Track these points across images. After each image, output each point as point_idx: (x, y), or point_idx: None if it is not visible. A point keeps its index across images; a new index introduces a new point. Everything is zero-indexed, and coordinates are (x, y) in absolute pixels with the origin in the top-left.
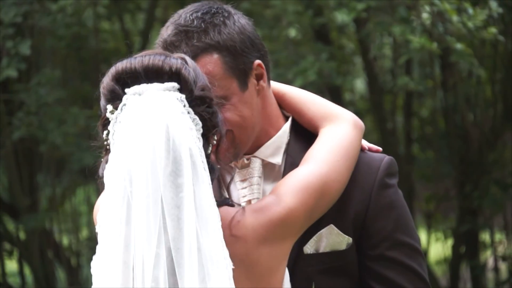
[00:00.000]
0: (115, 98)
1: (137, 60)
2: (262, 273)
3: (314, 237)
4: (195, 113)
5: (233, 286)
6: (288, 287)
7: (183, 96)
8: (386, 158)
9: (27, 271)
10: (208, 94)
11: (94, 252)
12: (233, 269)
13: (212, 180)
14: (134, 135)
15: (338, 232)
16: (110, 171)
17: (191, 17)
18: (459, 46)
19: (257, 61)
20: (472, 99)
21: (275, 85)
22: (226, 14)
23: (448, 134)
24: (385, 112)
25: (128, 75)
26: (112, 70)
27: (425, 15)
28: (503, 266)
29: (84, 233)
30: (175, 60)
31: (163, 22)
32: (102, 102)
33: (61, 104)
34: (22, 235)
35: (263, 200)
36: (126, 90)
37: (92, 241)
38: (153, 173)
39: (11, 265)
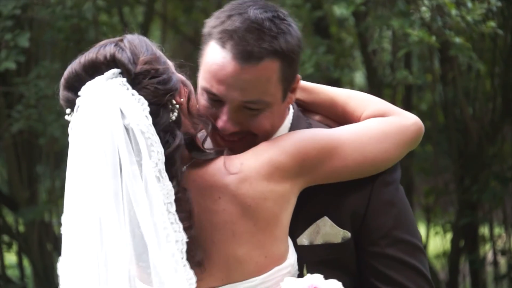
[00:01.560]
0: (72, 104)
1: (76, 63)
2: (268, 219)
3: (309, 229)
4: (141, 89)
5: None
6: (294, 259)
7: (124, 79)
8: None
9: (26, 263)
10: (151, 66)
11: None
12: (241, 217)
13: (175, 145)
14: (83, 133)
15: (332, 224)
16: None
17: (261, 16)
18: (458, 40)
19: (298, 76)
20: (471, 93)
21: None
22: (291, 23)
23: (447, 128)
24: None
25: (74, 80)
26: (62, 81)
27: (424, 9)
28: (502, 260)
29: None
30: (108, 47)
31: (163, 15)
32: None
33: None
34: (21, 228)
35: (263, 144)
36: (79, 93)
37: None
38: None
39: (10, 258)
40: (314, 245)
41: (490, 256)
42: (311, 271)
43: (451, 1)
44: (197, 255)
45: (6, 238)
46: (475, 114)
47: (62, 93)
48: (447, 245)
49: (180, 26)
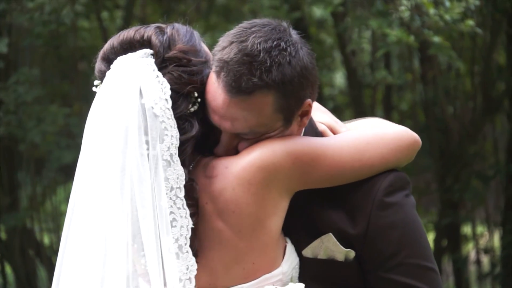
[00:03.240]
0: (103, 76)
1: (116, 37)
2: (253, 225)
3: (314, 242)
4: (166, 73)
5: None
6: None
7: (153, 61)
8: (390, 175)
9: (8, 270)
10: (185, 55)
11: None
12: (225, 223)
13: (190, 135)
14: (101, 106)
15: (336, 242)
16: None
17: (258, 47)
18: (437, 39)
19: (308, 101)
20: (451, 92)
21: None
22: (293, 52)
23: (428, 127)
24: (364, 106)
25: (110, 52)
26: (100, 52)
27: (402, 8)
28: (485, 259)
29: None
30: (149, 28)
31: (141, 19)
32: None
33: (40, 102)
34: (3, 235)
35: (253, 146)
36: (111, 66)
37: None
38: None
39: None
40: (318, 259)
41: (473, 255)
42: (314, 284)
43: (429, 0)
44: (195, 245)
45: None
46: (455, 113)
47: (98, 64)
48: (430, 245)
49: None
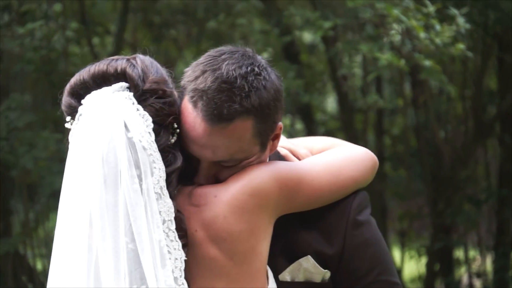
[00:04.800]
0: (73, 111)
1: (85, 71)
2: (245, 252)
3: (292, 265)
4: (146, 106)
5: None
6: (274, 285)
7: (131, 94)
8: (358, 195)
9: None
10: (159, 86)
11: None
12: (217, 251)
13: (174, 168)
14: (83, 141)
15: (315, 264)
16: (66, 175)
17: (234, 73)
18: (427, 63)
19: (280, 124)
20: (443, 116)
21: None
22: (267, 76)
23: (420, 152)
24: (356, 131)
25: (80, 87)
26: (67, 86)
27: (393, 32)
28: (477, 283)
29: None
30: (120, 61)
31: (132, 45)
32: (65, 118)
33: (32, 128)
34: None
35: (239, 174)
36: (82, 101)
37: None
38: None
39: None
40: (295, 282)
41: (465, 279)
42: None
43: (420, 24)
44: (186, 275)
45: None
46: (447, 137)
47: (65, 99)
48: (422, 269)
49: (151, 55)
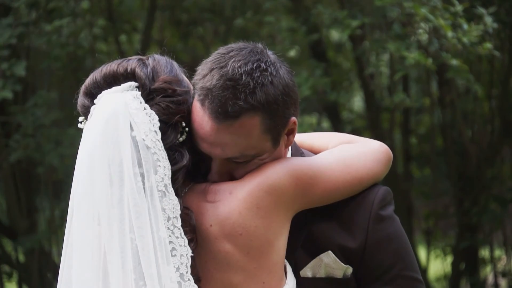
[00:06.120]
0: (87, 111)
1: (98, 71)
2: (262, 247)
3: (313, 261)
4: (153, 105)
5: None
6: (292, 284)
7: (139, 93)
8: (380, 189)
9: None
10: (170, 85)
11: None
12: (232, 246)
13: (181, 165)
14: (91, 141)
15: (336, 259)
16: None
17: (239, 70)
18: (454, 62)
19: (293, 119)
20: (469, 115)
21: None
22: (274, 72)
23: (446, 151)
24: (382, 129)
25: (93, 87)
26: (82, 86)
27: (420, 31)
28: (503, 282)
29: None
30: (132, 61)
31: (159, 42)
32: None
33: (58, 125)
34: (21, 257)
35: (256, 170)
36: (95, 101)
37: None
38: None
39: (11, 287)
40: (317, 278)
41: (491, 279)
42: None
43: (447, 23)
44: (195, 271)
45: (6, 268)
46: (473, 137)
47: (80, 99)
48: (448, 268)
49: (178, 53)
